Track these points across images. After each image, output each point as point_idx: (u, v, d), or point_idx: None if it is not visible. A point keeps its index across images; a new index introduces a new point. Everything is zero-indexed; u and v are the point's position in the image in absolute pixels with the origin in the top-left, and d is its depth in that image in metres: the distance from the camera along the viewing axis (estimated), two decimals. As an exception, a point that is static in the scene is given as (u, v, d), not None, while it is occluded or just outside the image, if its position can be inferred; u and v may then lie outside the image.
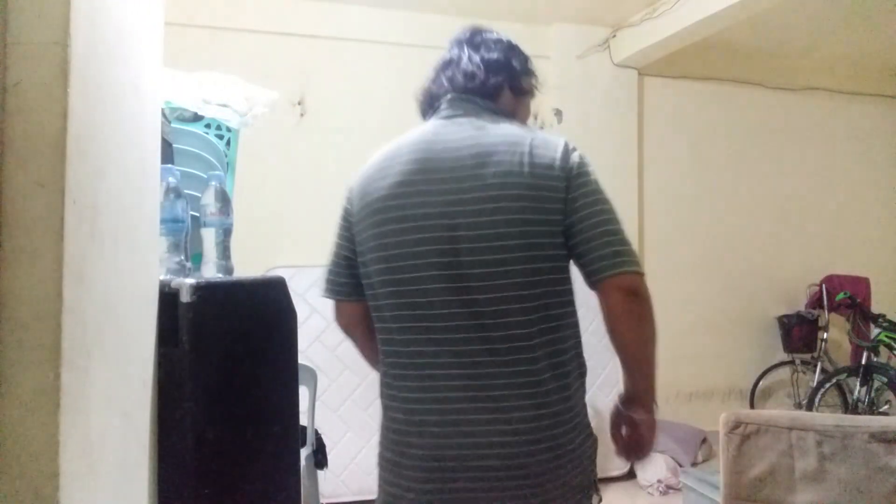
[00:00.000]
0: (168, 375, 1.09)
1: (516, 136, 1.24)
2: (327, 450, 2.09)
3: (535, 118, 4.24)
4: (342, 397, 3.49)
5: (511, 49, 1.40)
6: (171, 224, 1.24)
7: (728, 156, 4.69)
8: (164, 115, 1.34)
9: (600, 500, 1.34)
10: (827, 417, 1.76)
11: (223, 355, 1.15)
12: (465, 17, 4.06)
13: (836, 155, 4.98)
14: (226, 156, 1.68)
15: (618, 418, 1.31)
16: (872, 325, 4.33)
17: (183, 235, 1.27)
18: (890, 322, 4.23)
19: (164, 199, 1.21)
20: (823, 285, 4.51)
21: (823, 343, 4.35)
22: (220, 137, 1.67)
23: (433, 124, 1.35)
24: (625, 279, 1.17)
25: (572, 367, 1.25)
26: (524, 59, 1.40)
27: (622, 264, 1.17)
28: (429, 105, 1.43)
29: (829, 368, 4.27)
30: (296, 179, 3.81)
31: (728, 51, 4.58)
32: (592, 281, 1.20)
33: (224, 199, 1.34)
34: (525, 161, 1.20)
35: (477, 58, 1.37)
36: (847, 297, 4.33)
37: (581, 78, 4.19)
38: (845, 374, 4.11)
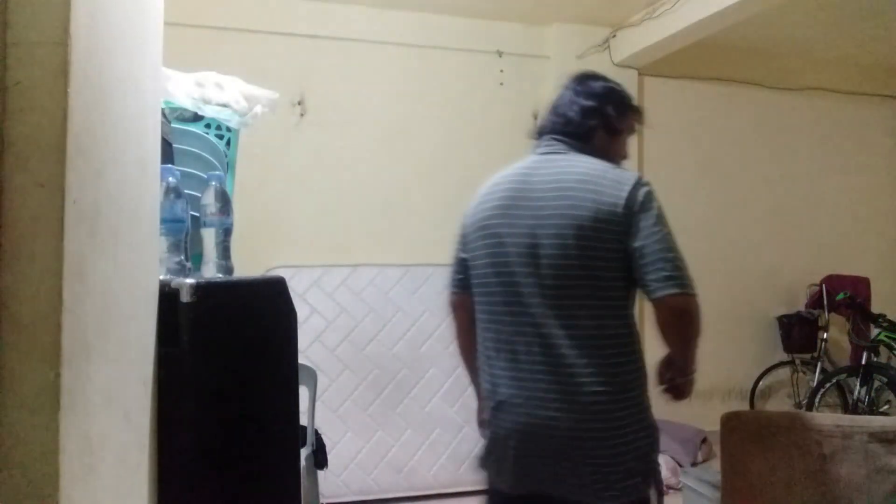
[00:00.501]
0: (168, 375, 1.09)
1: (592, 175, 1.51)
2: (327, 450, 2.09)
3: (535, 118, 4.25)
4: (342, 397, 3.49)
5: (607, 96, 1.65)
6: (171, 224, 1.24)
7: (728, 156, 4.69)
8: (164, 115, 1.34)
9: (661, 496, 1.55)
10: (827, 417, 1.76)
11: (223, 355, 1.15)
12: (466, 17, 4.06)
13: (836, 155, 4.97)
14: (226, 156, 1.68)
15: (659, 377, 1.59)
16: (872, 325, 4.33)
17: (183, 235, 1.27)
18: (890, 322, 4.23)
19: (164, 199, 1.21)
20: (823, 285, 4.51)
21: (823, 343, 4.35)
22: (220, 137, 1.67)
23: (532, 159, 1.66)
24: (672, 300, 1.44)
25: (631, 366, 1.52)
26: (620, 104, 1.67)
27: (671, 287, 1.43)
28: (538, 138, 1.71)
29: (829, 368, 4.27)
30: (296, 180, 3.81)
31: (728, 51, 4.58)
32: (649, 299, 1.47)
33: (224, 199, 1.34)
34: (591, 197, 1.48)
35: (576, 106, 1.63)
36: (847, 297, 4.33)
37: (581, 78, 4.19)
38: (845, 374, 4.11)
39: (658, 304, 1.45)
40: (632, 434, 1.48)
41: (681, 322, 1.48)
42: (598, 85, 1.67)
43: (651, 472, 1.53)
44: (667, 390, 1.60)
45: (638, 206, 1.46)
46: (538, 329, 1.50)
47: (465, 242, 1.71)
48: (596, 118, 1.62)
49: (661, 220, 1.48)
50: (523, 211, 1.55)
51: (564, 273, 1.48)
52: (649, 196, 1.49)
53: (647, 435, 1.52)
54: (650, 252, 1.44)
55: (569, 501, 1.50)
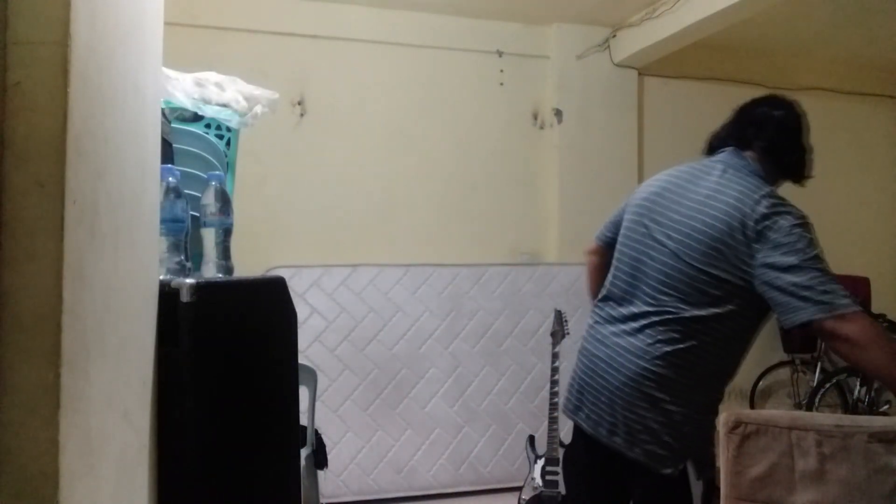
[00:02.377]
0: (168, 375, 1.09)
1: (728, 189, 1.62)
2: (327, 450, 2.09)
3: (535, 118, 4.25)
4: (342, 397, 3.49)
5: (771, 122, 1.77)
6: (171, 224, 1.24)
7: (728, 156, 4.69)
8: (164, 115, 1.34)
9: (700, 479, 1.64)
10: (827, 417, 1.76)
11: (223, 355, 1.15)
12: (466, 17, 4.06)
13: (835, 155, 4.97)
14: (226, 156, 1.68)
15: None
16: (872, 325, 4.32)
17: (183, 235, 1.27)
18: (890, 322, 4.23)
19: (164, 199, 1.21)
20: (823, 285, 4.50)
21: (823, 343, 4.35)
22: (220, 137, 1.67)
23: (694, 163, 1.80)
24: (819, 325, 1.46)
25: (701, 376, 1.60)
26: (782, 130, 1.77)
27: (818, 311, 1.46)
28: (708, 144, 1.89)
29: (829, 368, 4.27)
30: (296, 179, 3.82)
31: (728, 51, 4.58)
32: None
33: (224, 199, 1.34)
34: (720, 208, 1.58)
35: (739, 125, 1.80)
36: (847, 297, 4.32)
37: (581, 78, 4.19)
38: (845, 374, 4.11)
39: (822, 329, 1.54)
40: (674, 423, 1.60)
41: (843, 349, 1.56)
42: (763, 110, 1.85)
43: (687, 455, 1.61)
44: None
45: (759, 226, 1.65)
46: (636, 308, 1.71)
47: (621, 213, 1.89)
48: (756, 138, 1.82)
49: (786, 238, 1.64)
50: (665, 206, 1.77)
51: (668, 271, 1.68)
52: (771, 214, 1.66)
53: (690, 428, 1.61)
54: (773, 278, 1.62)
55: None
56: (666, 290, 1.62)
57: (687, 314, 1.58)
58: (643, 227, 1.73)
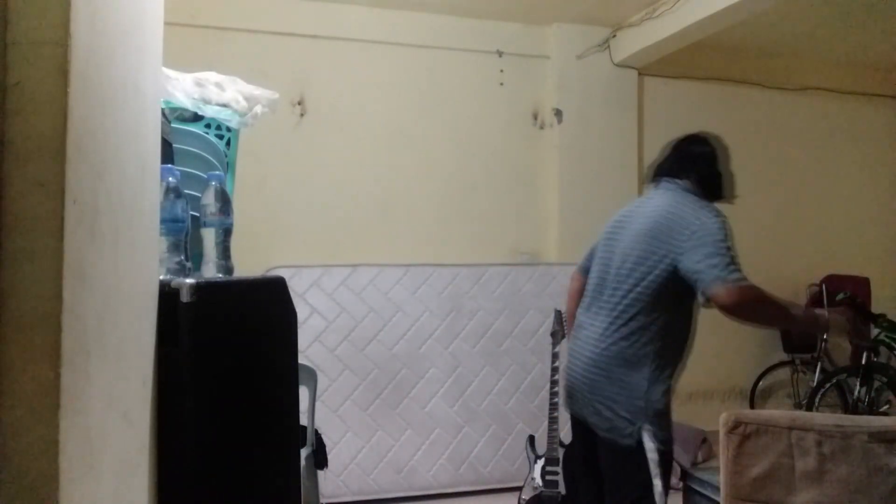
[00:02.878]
0: (168, 375, 1.09)
1: (669, 208, 2.03)
2: (327, 450, 2.09)
3: (535, 118, 4.25)
4: (342, 397, 3.49)
5: (697, 157, 2.26)
6: (171, 224, 1.23)
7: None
8: (164, 115, 1.34)
9: (656, 450, 1.91)
10: (827, 417, 1.76)
11: (223, 355, 1.15)
12: (466, 17, 4.06)
13: (835, 155, 4.97)
14: (226, 156, 1.68)
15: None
16: (872, 325, 4.32)
17: (183, 235, 1.27)
18: (890, 322, 4.23)
19: (164, 199, 1.21)
20: (823, 285, 4.51)
21: (823, 343, 4.35)
22: (220, 137, 1.67)
23: (650, 193, 2.22)
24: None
25: (647, 354, 1.96)
26: (705, 160, 2.27)
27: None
28: (652, 178, 2.27)
29: (829, 368, 4.27)
30: (295, 179, 3.82)
31: (728, 51, 4.58)
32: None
33: (224, 199, 1.34)
34: (662, 223, 1.99)
35: (675, 157, 2.25)
36: (847, 297, 4.32)
37: (581, 78, 4.19)
38: (845, 374, 4.11)
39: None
40: (626, 401, 1.93)
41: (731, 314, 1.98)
42: (695, 148, 2.35)
43: (641, 426, 1.91)
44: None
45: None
46: (600, 313, 2.12)
47: (596, 242, 2.30)
48: (688, 169, 2.28)
49: (702, 240, 2.07)
50: (624, 229, 2.18)
51: (624, 278, 2.09)
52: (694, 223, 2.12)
53: (643, 407, 1.92)
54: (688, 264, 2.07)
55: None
56: None
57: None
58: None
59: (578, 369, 2.07)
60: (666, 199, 2.07)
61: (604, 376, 1.97)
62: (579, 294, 2.29)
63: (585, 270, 2.29)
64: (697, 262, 1.88)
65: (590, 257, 2.29)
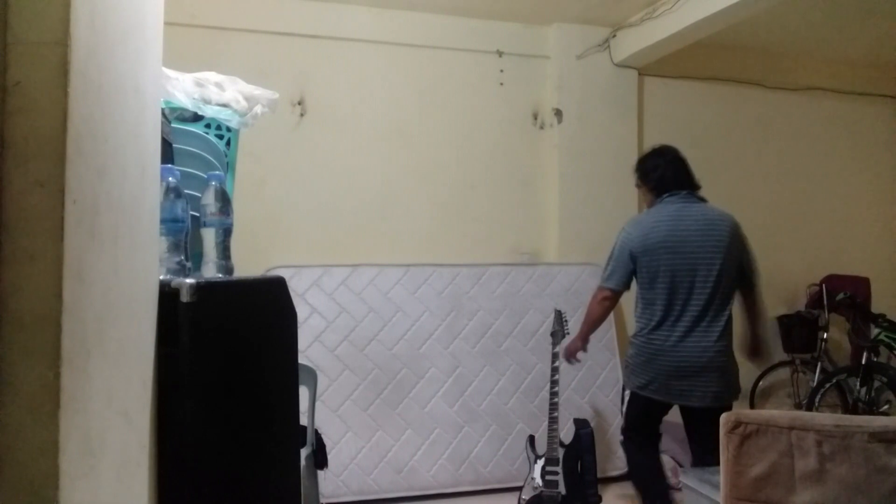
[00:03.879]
0: (168, 375, 1.09)
1: (718, 216, 2.74)
2: (327, 450, 2.09)
3: (535, 118, 4.25)
4: (342, 397, 3.49)
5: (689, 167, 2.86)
6: (171, 224, 1.23)
7: (728, 156, 4.69)
8: (164, 115, 1.34)
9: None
10: (827, 417, 1.76)
11: (223, 355, 1.15)
12: (466, 17, 4.06)
13: (836, 155, 4.97)
14: (226, 156, 1.68)
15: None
16: (872, 325, 4.32)
17: (183, 235, 1.27)
18: (890, 322, 4.22)
19: (164, 199, 1.21)
20: (823, 285, 4.51)
21: (823, 343, 4.35)
22: (220, 137, 1.67)
23: (680, 204, 2.69)
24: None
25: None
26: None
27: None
28: (674, 189, 2.74)
29: (829, 368, 4.27)
30: (295, 179, 3.82)
31: (728, 51, 4.58)
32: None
33: (224, 199, 1.34)
34: (725, 230, 2.69)
35: (686, 170, 2.86)
36: (847, 297, 4.32)
37: (581, 78, 4.19)
38: (845, 374, 4.11)
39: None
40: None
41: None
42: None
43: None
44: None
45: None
46: (691, 310, 2.63)
47: (632, 261, 2.66)
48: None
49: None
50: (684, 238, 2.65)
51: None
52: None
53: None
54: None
55: None
56: None
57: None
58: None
59: (692, 359, 2.61)
60: (706, 209, 2.67)
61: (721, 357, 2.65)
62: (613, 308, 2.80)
63: (626, 287, 2.72)
64: (754, 262, 2.67)
65: (628, 273, 2.67)
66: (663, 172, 2.70)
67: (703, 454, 2.64)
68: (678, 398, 2.64)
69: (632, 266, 2.65)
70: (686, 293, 2.56)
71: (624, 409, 2.87)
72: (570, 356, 2.95)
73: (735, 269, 2.59)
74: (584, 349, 2.91)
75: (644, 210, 2.83)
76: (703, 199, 2.70)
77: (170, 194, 1.24)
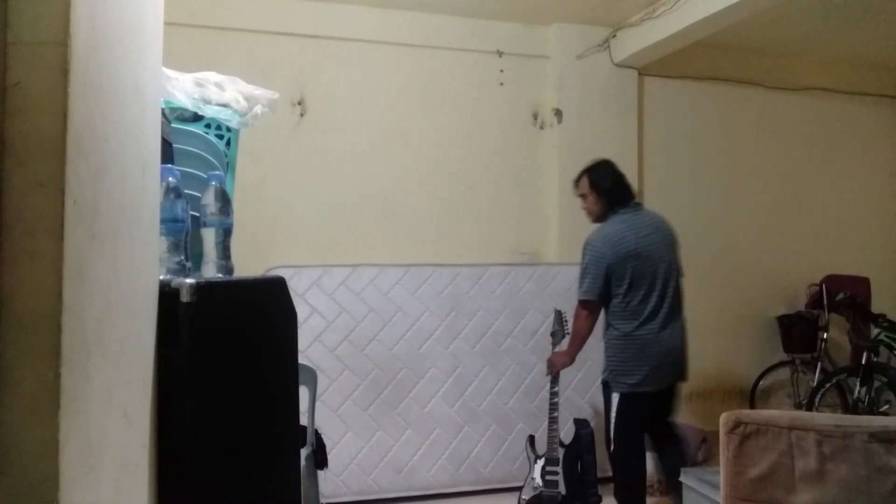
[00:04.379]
0: (168, 375, 1.09)
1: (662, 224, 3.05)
2: (327, 450, 2.09)
3: (535, 118, 4.25)
4: (342, 397, 3.49)
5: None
6: (171, 224, 1.23)
7: (728, 156, 4.69)
8: (164, 115, 1.34)
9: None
10: (827, 417, 1.76)
11: (223, 355, 1.15)
12: (466, 17, 4.06)
13: (836, 155, 4.97)
14: (226, 156, 1.68)
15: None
16: (872, 325, 4.32)
17: (183, 235, 1.27)
18: (890, 322, 4.23)
19: (164, 199, 1.21)
20: (823, 285, 4.51)
21: (823, 343, 4.35)
22: (220, 137, 1.67)
23: (634, 212, 2.97)
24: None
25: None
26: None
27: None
28: (628, 201, 2.99)
29: (829, 368, 4.27)
30: (296, 179, 3.82)
31: (728, 51, 4.58)
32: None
33: (224, 199, 1.34)
34: (670, 237, 3.03)
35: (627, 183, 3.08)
36: (847, 297, 4.32)
37: (581, 78, 4.19)
38: (845, 374, 4.11)
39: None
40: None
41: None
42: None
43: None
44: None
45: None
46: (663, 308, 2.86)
47: (606, 272, 2.81)
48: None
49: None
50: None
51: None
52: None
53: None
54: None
55: None
56: None
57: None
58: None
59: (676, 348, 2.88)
60: (651, 216, 2.98)
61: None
62: (596, 318, 2.92)
63: (605, 298, 2.86)
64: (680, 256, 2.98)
65: (605, 284, 2.82)
66: (614, 185, 2.95)
67: (663, 437, 3.02)
68: (664, 382, 2.87)
69: (608, 277, 2.82)
70: (660, 290, 2.82)
71: (613, 417, 2.85)
72: (554, 370, 2.99)
73: (677, 263, 2.93)
74: (570, 364, 3.02)
75: (587, 218, 3.03)
76: (640, 206, 3.01)
77: (170, 194, 1.24)
